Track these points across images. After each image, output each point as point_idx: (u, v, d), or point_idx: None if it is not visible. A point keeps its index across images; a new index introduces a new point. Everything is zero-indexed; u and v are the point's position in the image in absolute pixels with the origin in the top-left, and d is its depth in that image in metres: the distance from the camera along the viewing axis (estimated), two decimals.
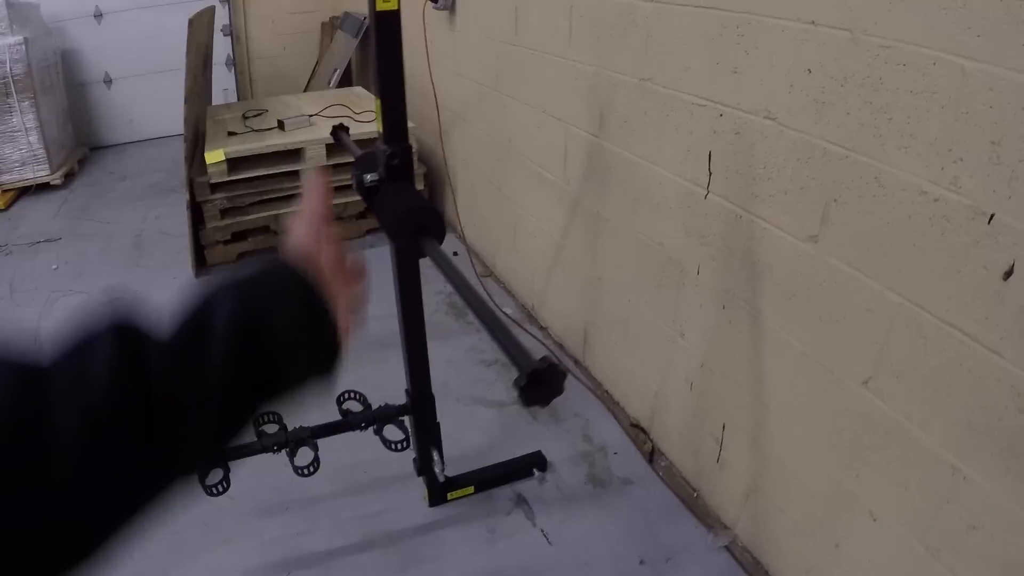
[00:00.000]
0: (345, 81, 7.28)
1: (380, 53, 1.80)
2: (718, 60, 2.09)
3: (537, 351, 3.36)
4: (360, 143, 2.39)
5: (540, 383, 1.13)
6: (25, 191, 6.90)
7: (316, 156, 4.62)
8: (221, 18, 8.22)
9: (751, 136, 2.02)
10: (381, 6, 1.73)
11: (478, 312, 1.34)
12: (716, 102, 2.13)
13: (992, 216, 1.42)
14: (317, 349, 0.74)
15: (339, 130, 2.66)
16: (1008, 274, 1.41)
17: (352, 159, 2.06)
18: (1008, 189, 1.38)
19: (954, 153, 1.47)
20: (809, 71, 1.78)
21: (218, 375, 0.62)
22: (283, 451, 2.39)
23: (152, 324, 0.64)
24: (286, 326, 0.69)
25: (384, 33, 1.78)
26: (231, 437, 0.67)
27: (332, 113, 5.06)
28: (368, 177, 1.89)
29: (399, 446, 2.49)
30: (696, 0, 2.15)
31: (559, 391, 1.14)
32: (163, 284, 4.63)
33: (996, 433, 1.49)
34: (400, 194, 1.79)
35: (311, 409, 2.53)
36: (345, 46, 7.32)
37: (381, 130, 1.89)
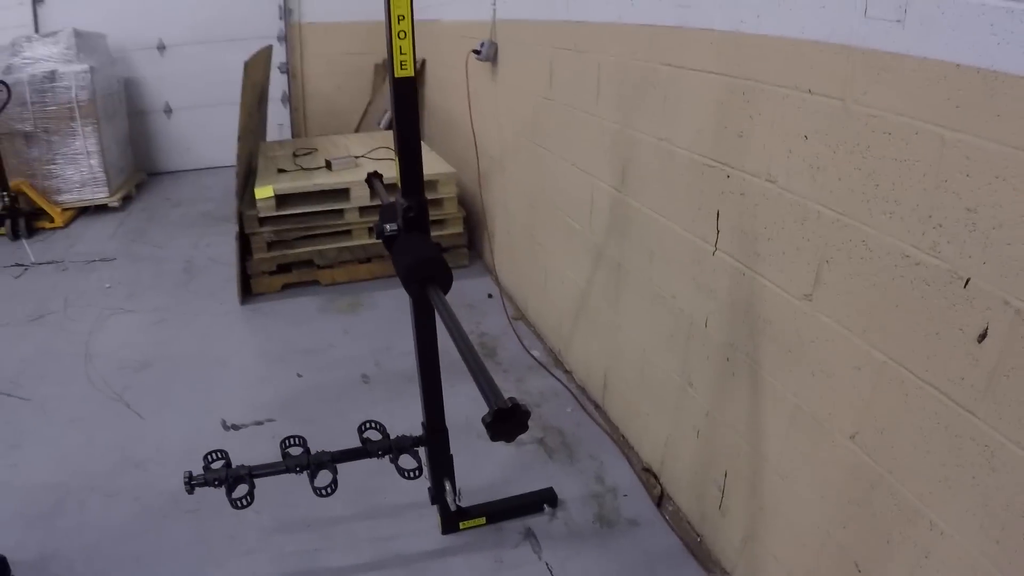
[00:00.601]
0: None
1: (398, 116, 1.95)
2: (726, 124, 2.21)
3: (559, 394, 3.49)
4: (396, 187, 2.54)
5: (505, 420, 1.26)
6: (84, 211, 7.20)
7: (360, 196, 4.79)
8: (279, 55, 8.54)
9: (754, 197, 2.12)
10: (399, 73, 1.88)
11: (462, 353, 1.48)
12: (724, 164, 2.25)
13: (968, 280, 1.50)
14: None
15: (373, 177, 2.83)
16: (982, 337, 1.49)
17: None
18: (983, 255, 1.46)
19: (934, 219, 1.56)
20: (806, 137, 1.89)
21: None
22: (305, 472, 2.53)
23: None
24: None
25: (402, 98, 1.93)
26: None
27: (378, 155, 5.25)
28: (387, 227, 2.04)
29: (412, 474, 2.61)
30: (707, 65, 2.28)
31: (524, 428, 1.28)
32: (210, 310, 4.82)
33: (971, 490, 1.55)
34: (413, 245, 1.94)
35: (337, 438, 2.67)
36: None
37: (400, 185, 2.02)
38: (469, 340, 1.53)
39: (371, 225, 4.91)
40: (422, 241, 1.99)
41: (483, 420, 1.26)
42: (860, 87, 1.71)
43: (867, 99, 1.69)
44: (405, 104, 1.94)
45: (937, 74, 1.51)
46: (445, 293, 1.79)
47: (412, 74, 1.89)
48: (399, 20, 1.83)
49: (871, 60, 1.66)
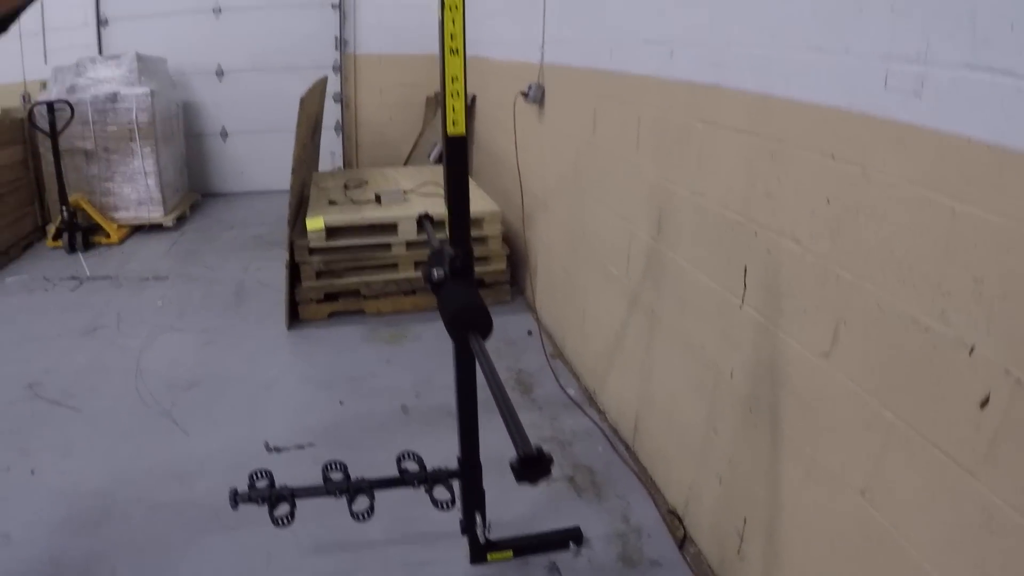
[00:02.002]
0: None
1: (449, 171, 2.06)
2: (755, 182, 2.30)
3: (591, 434, 3.56)
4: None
5: (531, 465, 1.37)
6: (139, 229, 7.45)
7: (408, 231, 4.92)
8: (333, 85, 8.77)
9: (780, 255, 2.20)
10: (451, 131, 1.99)
11: (496, 399, 1.58)
12: (752, 221, 2.33)
13: (972, 348, 1.56)
14: None
15: (424, 219, 2.95)
16: (984, 403, 1.54)
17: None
18: (987, 324, 1.52)
19: (943, 287, 1.62)
20: (828, 201, 1.97)
21: None
22: (344, 496, 2.65)
23: None
24: None
25: (453, 154, 2.04)
26: None
27: (427, 191, 5.38)
28: (435, 272, 2.15)
29: (445, 505, 2.72)
30: (739, 125, 2.38)
31: (547, 474, 1.39)
32: (258, 334, 4.97)
33: (971, 551, 1.60)
34: (458, 292, 2.05)
35: (375, 466, 2.78)
36: None
37: (448, 235, 2.13)
38: (503, 387, 1.64)
39: (417, 259, 5.05)
40: (467, 290, 2.09)
41: (510, 464, 1.37)
42: (879, 155, 1.78)
43: (885, 167, 1.77)
44: (456, 160, 2.05)
45: (950, 147, 1.58)
46: (485, 340, 1.90)
47: (463, 132, 2.00)
48: (453, 81, 1.94)
49: (889, 130, 1.74)
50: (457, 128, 2.00)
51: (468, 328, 1.92)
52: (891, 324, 1.78)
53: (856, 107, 1.85)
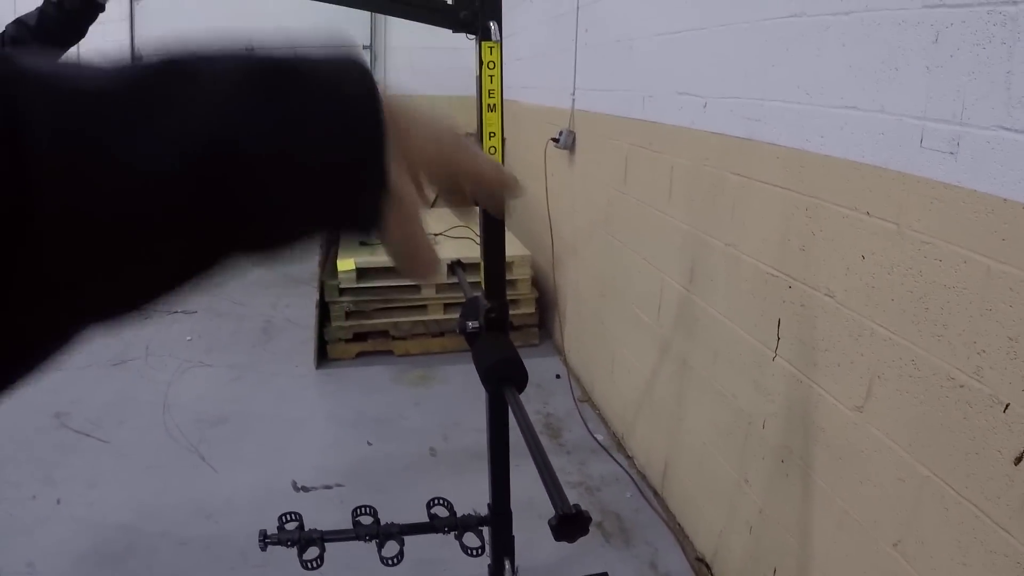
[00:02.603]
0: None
1: (487, 225, 2.10)
2: (789, 236, 2.32)
3: (619, 479, 3.56)
4: (477, 267, 2.67)
5: (569, 524, 1.40)
6: None
7: (438, 274, 4.94)
8: None
9: (814, 309, 2.22)
10: None
11: (534, 455, 1.60)
12: (786, 274, 2.36)
13: (1007, 406, 1.57)
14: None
15: (456, 266, 2.98)
16: (1018, 460, 1.56)
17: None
18: (1022, 382, 1.54)
19: (978, 345, 1.64)
20: (863, 257, 1.99)
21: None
22: (373, 541, 2.66)
23: None
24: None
25: (490, 213, 2.07)
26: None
27: (456, 233, 5.41)
28: (470, 324, 2.18)
29: (475, 552, 2.72)
30: (774, 179, 2.40)
31: (585, 532, 1.41)
32: (286, 371, 5.00)
33: None
34: (493, 345, 2.07)
35: (403, 509, 2.79)
36: None
37: (484, 287, 2.16)
38: (540, 443, 1.66)
39: (447, 301, 5.09)
40: (502, 342, 2.11)
41: (549, 523, 1.40)
42: (914, 213, 1.81)
43: (920, 225, 1.79)
44: (493, 219, 2.08)
45: (985, 206, 1.60)
46: (520, 392, 1.92)
47: None
48: (490, 136, 1.98)
49: (925, 188, 1.76)
50: None
51: (503, 381, 1.94)
52: (926, 380, 1.79)
53: (892, 165, 1.88)
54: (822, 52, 2.15)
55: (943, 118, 1.70)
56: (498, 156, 2.00)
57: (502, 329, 2.15)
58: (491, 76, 1.98)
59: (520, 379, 1.94)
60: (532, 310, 5.33)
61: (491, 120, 1.99)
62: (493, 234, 2.11)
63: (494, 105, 1.99)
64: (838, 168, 2.08)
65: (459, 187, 0.57)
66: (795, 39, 2.28)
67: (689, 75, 3.04)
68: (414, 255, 0.54)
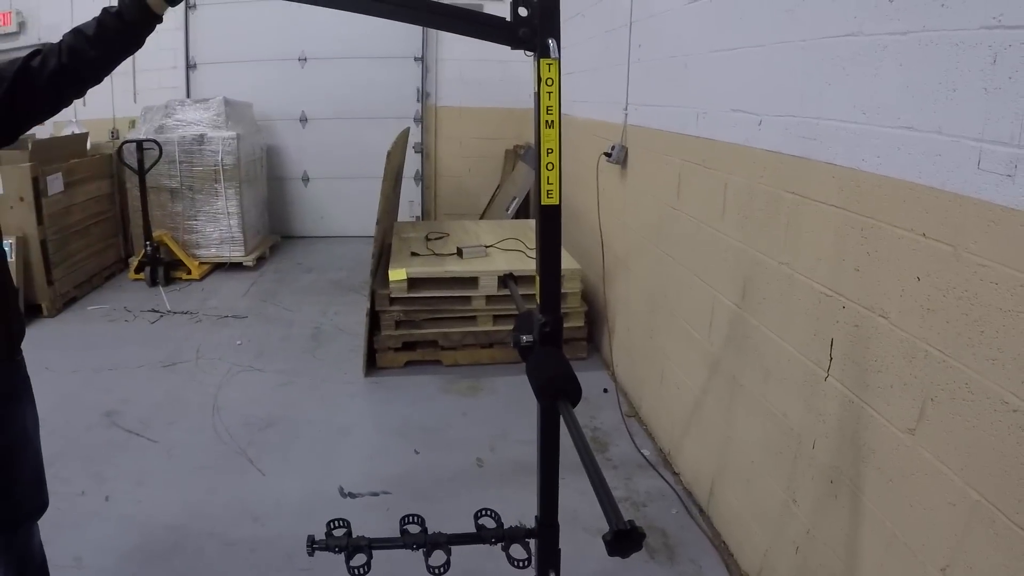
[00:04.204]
0: (522, 211, 7.68)
1: (543, 240, 2.11)
2: (844, 256, 2.31)
3: (665, 496, 3.55)
4: (530, 279, 2.68)
5: (624, 540, 1.41)
6: (219, 267, 7.72)
7: (488, 286, 4.99)
8: (414, 136, 8.95)
9: (867, 330, 2.21)
10: (545, 201, 2.04)
11: (588, 470, 1.62)
12: (840, 295, 2.35)
13: None
14: None
15: (508, 279, 3.00)
16: None
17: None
18: None
19: None
20: (918, 279, 1.98)
21: None
22: (421, 550, 2.68)
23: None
24: None
25: (547, 224, 2.09)
26: None
27: (507, 246, 5.45)
28: (524, 338, 2.19)
29: (521, 564, 2.73)
30: (829, 198, 2.40)
31: (638, 547, 1.43)
32: (335, 378, 5.07)
33: None
34: (548, 359, 2.09)
35: (449, 519, 2.80)
36: (525, 177, 7.73)
37: (539, 301, 2.18)
38: (595, 458, 1.67)
39: (496, 313, 5.12)
40: (556, 357, 2.13)
41: (604, 538, 1.41)
42: (971, 236, 1.80)
43: (976, 248, 1.78)
44: (550, 229, 2.09)
45: None
46: (574, 407, 1.94)
47: (558, 203, 2.04)
48: (548, 153, 1.99)
49: (982, 211, 1.75)
50: (552, 198, 2.05)
51: (558, 396, 1.95)
52: (979, 403, 1.78)
53: (948, 186, 1.86)
54: (879, 72, 2.14)
55: (1001, 140, 1.69)
56: (556, 173, 2.02)
57: (556, 344, 2.17)
58: (549, 93, 1.99)
59: (574, 394, 1.96)
60: (581, 324, 5.33)
61: (549, 136, 2.00)
62: (549, 249, 2.12)
63: (552, 122, 2.00)
64: (894, 188, 2.07)
65: None
66: (852, 58, 2.27)
67: (744, 92, 3.04)
68: None
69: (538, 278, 2.16)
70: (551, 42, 1.96)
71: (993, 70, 1.71)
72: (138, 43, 2.09)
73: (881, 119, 2.14)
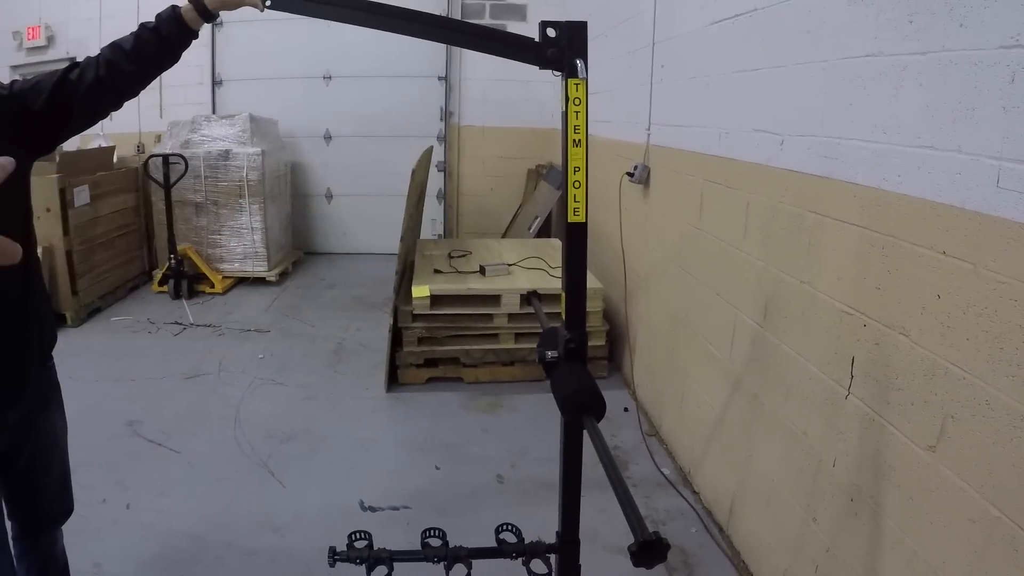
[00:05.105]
0: (544, 231, 7.70)
1: (569, 256, 2.13)
2: (865, 275, 2.33)
3: (684, 514, 3.55)
4: (552, 297, 2.69)
5: (649, 551, 1.44)
6: (242, 281, 7.78)
7: (510, 304, 5.02)
8: (437, 154, 9.02)
9: (888, 348, 2.22)
10: (572, 219, 2.07)
11: (613, 482, 1.64)
12: (861, 312, 2.36)
13: None
14: None
15: (532, 296, 3.03)
16: None
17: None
18: None
19: None
20: (938, 296, 1.99)
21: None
22: (441, 564, 2.70)
23: None
24: None
25: (573, 240, 2.12)
26: None
27: (530, 264, 5.48)
28: (549, 354, 2.22)
29: None
30: (850, 217, 2.42)
31: (663, 559, 1.45)
32: (356, 393, 5.11)
33: None
34: (572, 375, 2.11)
35: (469, 534, 2.82)
36: (548, 196, 7.75)
37: (564, 318, 2.20)
38: (620, 471, 1.69)
39: (518, 331, 5.13)
40: (581, 372, 2.15)
41: (629, 548, 1.43)
42: (990, 253, 1.81)
43: (996, 265, 1.79)
44: (576, 246, 2.12)
45: None
46: (598, 422, 1.96)
47: (584, 220, 2.07)
48: (575, 171, 2.02)
49: (1001, 229, 1.77)
50: (578, 216, 2.08)
51: (583, 411, 1.98)
52: (1000, 421, 1.79)
53: (968, 205, 1.88)
54: (899, 92, 2.16)
55: (1020, 158, 1.71)
56: (583, 191, 2.04)
57: (581, 360, 2.19)
58: (577, 112, 2.02)
59: (599, 409, 1.98)
60: (602, 343, 5.34)
61: (576, 155, 2.03)
62: (575, 266, 2.15)
63: (579, 140, 2.03)
64: (914, 207, 2.09)
65: None
66: (872, 79, 2.30)
67: (766, 113, 3.07)
68: None
69: (563, 294, 2.18)
70: (579, 63, 2.00)
71: (1011, 89, 1.73)
72: (174, 57, 2.15)
73: (902, 138, 2.16)
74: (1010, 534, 1.75)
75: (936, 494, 2.01)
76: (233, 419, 4.61)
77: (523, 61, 2.04)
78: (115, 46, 2.04)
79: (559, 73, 2.02)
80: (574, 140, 2.02)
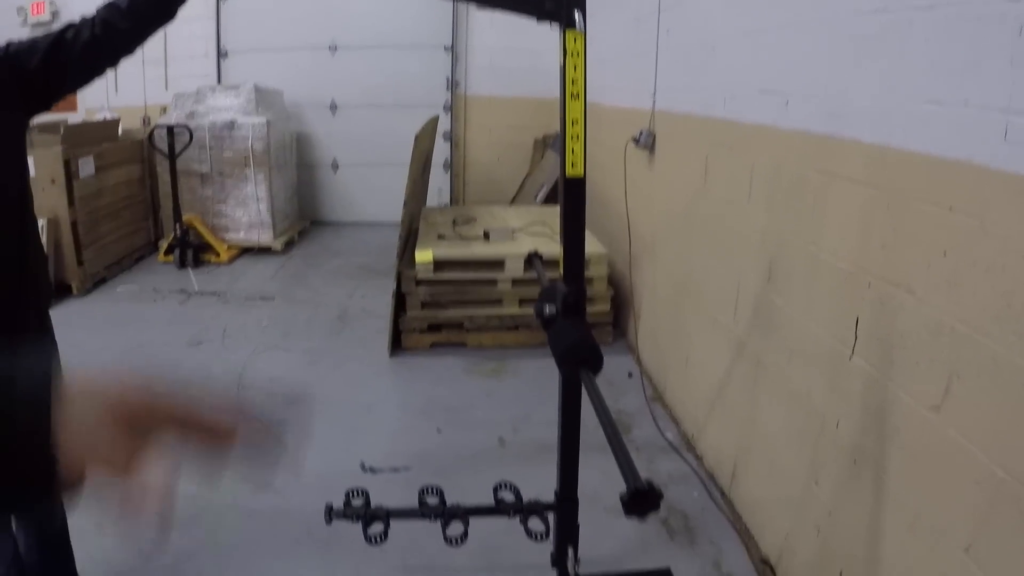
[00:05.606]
0: (551, 198, 7.67)
1: (566, 211, 2.11)
2: (870, 233, 2.29)
3: (687, 478, 3.55)
4: (556, 263, 2.68)
5: (641, 499, 1.41)
6: (247, 250, 7.78)
7: (514, 268, 4.99)
8: (443, 125, 8.96)
9: (893, 307, 2.19)
10: (570, 173, 2.05)
11: (607, 433, 1.62)
12: (866, 272, 2.33)
13: None
14: None
15: (534, 257, 3.00)
16: None
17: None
18: None
19: None
20: (945, 253, 1.96)
21: None
22: (438, 521, 2.70)
23: None
24: None
25: (571, 195, 2.09)
26: None
27: (535, 230, 5.45)
28: (547, 308, 2.19)
29: (539, 537, 2.74)
30: (855, 175, 2.38)
31: (656, 508, 1.42)
32: (360, 358, 5.11)
33: None
34: (570, 328, 2.09)
35: (469, 494, 2.82)
36: (554, 165, 7.70)
37: (562, 272, 2.18)
38: (614, 421, 1.67)
39: (522, 296, 5.13)
40: (579, 326, 2.13)
41: (620, 497, 1.40)
42: (997, 208, 1.77)
43: (1003, 220, 1.76)
44: (574, 201, 2.10)
45: None
46: (596, 375, 1.94)
47: (582, 174, 2.05)
48: (573, 124, 2.00)
49: (1008, 183, 1.73)
50: (576, 170, 2.05)
51: (579, 364, 1.96)
52: (1006, 379, 1.76)
53: (975, 159, 1.85)
54: (905, 47, 2.12)
55: None
56: (580, 144, 2.02)
57: (579, 314, 2.17)
58: (575, 66, 1.99)
59: (596, 361, 1.96)
60: (607, 308, 5.33)
61: (574, 108, 2.00)
62: (573, 221, 2.13)
63: (577, 94, 2.01)
64: (921, 164, 2.05)
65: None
66: (878, 35, 2.26)
67: (771, 73, 3.03)
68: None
69: (562, 246, 2.16)
70: (576, 14, 1.97)
71: (1019, 41, 1.69)
72: (169, 14, 2.13)
73: (908, 94, 2.12)
74: (1016, 496, 1.72)
75: (940, 456, 1.99)
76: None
77: (520, 12, 2.01)
78: (111, 5, 2.04)
79: (557, 26, 1.99)
80: (572, 94, 1.99)
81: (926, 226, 2.04)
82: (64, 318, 5.57)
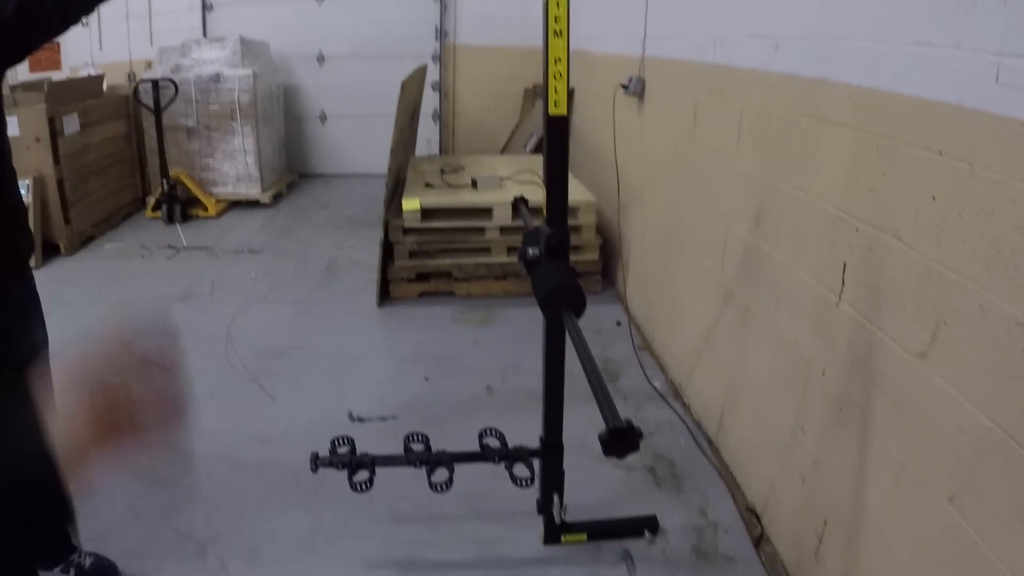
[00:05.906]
0: (540, 148, 7.61)
1: (549, 151, 2.08)
2: (859, 178, 2.26)
3: (674, 426, 3.54)
4: (543, 211, 2.66)
5: (620, 438, 1.39)
6: (236, 204, 7.74)
7: (502, 216, 4.96)
8: (432, 74, 8.89)
9: (881, 252, 2.16)
10: (553, 112, 2.01)
11: (588, 374, 1.60)
12: (854, 217, 2.29)
13: None
14: None
15: (519, 202, 2.98)
16: None
17: None
18: None
19: None
20: (933, 198, 1.92)
21: None
22: (424, 467, 2.69)
23: None
24: None
25: (554, 135, 2.06)
26: None
27: (523, 178, 5.40)
28: (530, 251, 2.17)
29: (524, 483, 2.74)
30: (844, 119, 2.34)
31: (635, 448, 1.41)
32: (348, 308, 5.10)
33: None
34: (553, 271, 2.07)
35: (456, 441, 2.81)
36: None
37: (545, 214, 2.15)
38: (595, 363, 1.66)
39: (510, 245, 5.09)
40: (562, 268, 2.11)
41: (599, 436, 1.39)
42: (988, 152, 1.74)
43: (994, 165, 1.72)
44: (557, 140, 2.07)
45: None
46: (578, 318, 1.92)
47: (565, 113, 2.01)
48: (556, 62, 1.96)
49: (999, 126, 1.69)
50: (559, 109, 2.02)
51: (562, 306, 1.94)
52: (993, 326, 1.73)
53: (966, 102, 1.80)
54: None
55: (1020, 53, 1.62)
56: (563, 83, 1.98)
57: (563, 256, 2.15)
58: (557, 3, 1.95)
59: (579, 304, 1.94)
60: (595, 257, 5.31)
61: (557, 46, 1.96)
62: (556, 161, 2.10)
63: (560, 31, 1.97)
64: (910, 107, 2.01)
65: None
66: None
67: (761, 16, 2.98)
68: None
69: (545, 189, 2.13)
70: None
71: None
72: None
73: (898, 36, 2.07)
74: (1002, 445, 1.70)
75: (926, 403, 1.97)
76: (224, 337, 4.59)
77: None
78: None
79: None
80: (555, 31, 1.95)
81: (915, 171, 2.00)
82: (53, 276, 5.58)
